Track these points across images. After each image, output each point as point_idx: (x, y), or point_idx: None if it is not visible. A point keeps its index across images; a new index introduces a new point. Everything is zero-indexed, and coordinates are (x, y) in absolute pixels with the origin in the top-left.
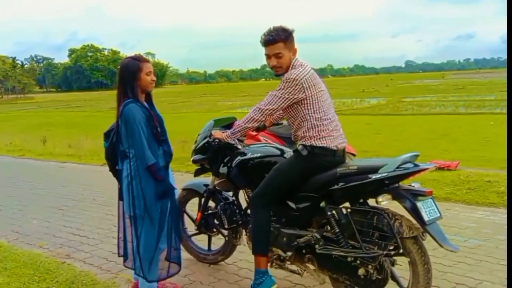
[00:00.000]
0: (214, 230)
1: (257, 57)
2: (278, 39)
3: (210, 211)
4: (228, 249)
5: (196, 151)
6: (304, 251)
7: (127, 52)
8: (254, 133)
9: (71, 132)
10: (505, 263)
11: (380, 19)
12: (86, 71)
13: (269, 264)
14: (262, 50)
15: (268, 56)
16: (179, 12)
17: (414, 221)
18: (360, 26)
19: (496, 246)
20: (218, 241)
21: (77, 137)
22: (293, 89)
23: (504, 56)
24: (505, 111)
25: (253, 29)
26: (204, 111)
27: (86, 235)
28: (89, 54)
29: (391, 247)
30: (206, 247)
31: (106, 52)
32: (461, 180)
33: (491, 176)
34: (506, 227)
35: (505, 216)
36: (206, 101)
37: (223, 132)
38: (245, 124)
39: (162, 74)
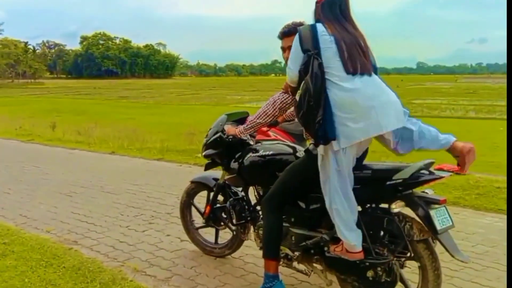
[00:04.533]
0: (222, 224)
1: (268, 52)
2: (294, 32)
3: (218, 205)
4: (235, 243)
5: (207, 146)
6: (312, 251)
7: (139, 41)
8: (266, 128)
9: (80, 119)
10: None
11: (394, 19)
12: (97, 59)
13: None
14: (273, 46)
15: (283, 49)
16: (193, 3)
17: None
18: (374, 25)
19: (504, 252)
20: (225, 235)
21: (86, 124)
22: None
23: None
24: None
25: (266, 24)
26: (212, 104)
27: (94, 222)
28: (101, 42)
29: (401, 250)
30: (213, 240)
31: (117, 41)
32: (470, 185)
33: (500, 182)
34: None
35: None
36: (215, 94)
37: (236, 128)
38: (257, 119)
39: (172, 65)
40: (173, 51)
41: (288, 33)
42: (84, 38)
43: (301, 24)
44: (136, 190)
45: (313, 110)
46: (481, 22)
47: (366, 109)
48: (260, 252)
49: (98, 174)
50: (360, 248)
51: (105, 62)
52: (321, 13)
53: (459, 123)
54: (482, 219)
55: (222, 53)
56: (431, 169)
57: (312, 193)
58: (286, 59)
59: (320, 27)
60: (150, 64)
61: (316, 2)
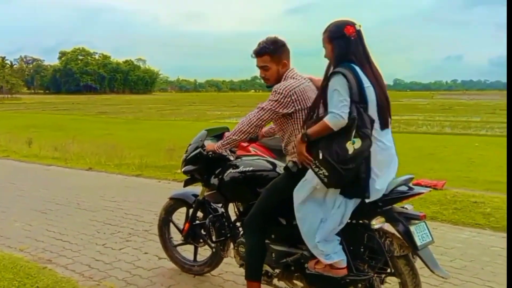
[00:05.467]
0: (201, 241)
1: (248, 68)
2: (264, 52)
3: (198, 222)
4: (215, 261)
5: (186, 162)
6: (293, 268)
7: (118, 57)
8: (246, 144)
9: (57, 135)
10: (491, 285)
11: (372, 36)
12: (76, 74)
13: None
14: (253, 62)
15: (258, 67)
16: (174, 19)
17: None
18: None
19: (482, 267)
20: (204, 252)
21: (64, 140)
22: (281, 102)
23: (490, 79)
24: (490, 133)
25: (246, 40)
26: (192, 119)
27: (69, 240)
28: (80, 57)
29: (382, 266)
30: (191, 258)
31: (96, 56)
32: (448, 200)
33: (477, 197)
34: (492, 248)
35: (491, 237)
36: (195, 110)
37: (215, 144)
38: (233, 136)
39: (152, 81)
40: (153, 66)
41: (259, 53)
42: (62, 54)
43: (276, 40)
44: (113, 207)
45: (361, 166)
46: (457, 40)
47: (394, 169)
48: (240, 270)
49: (74, 191)
50: (345, 264)
51: (84, 77)
52: (355, 50)
53: (435, 138)
54: (460, 234)
55: (202, 69)
56: (410, 184)
57: (292, 209)
58: (263, 78)
59: (361, 74)
60: (129, 79)
61: (344, 36)
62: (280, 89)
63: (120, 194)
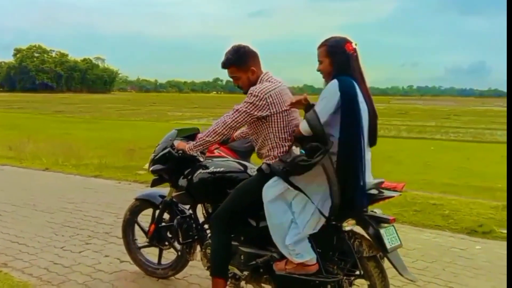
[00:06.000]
0: (167, 243)
1: (209, 70)
2: (228, 64)
3: (164, 224)
4: (180, 264)
5: (154, 161)
6: (261, 270)
7: (76, 55)
8: (216, 146)
9: (11, 134)
10: (452, 286)
11: None
12: (31, 72)
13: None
14: (215, 64)
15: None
16: (134, 19)
17: None
18: (310, 48)
19: (443, 268)
20: (168, 255)
21: (18, 139)
22: (257, 104)
23: (444, 85)
24: (444, 137)
25: (208, 42)
26: (153, 120)
27: (26, 243)
28: (36, 55)
29: (351, 268)
30: (155, 261)
31: (53, 54)
32: (408, 202)
33: (435, 199)
34: (452, 249)
35: (451, 238)
36: (155, 110)
37: (186, 143)
38: (207, 137)
39: (111, 80)
40: (112, 65)
41: (224, 65)
42: (18, 51)
43: (238, 49)
44: (72, 209)
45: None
46: (413, 47)
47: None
48: (206, 272)
49: (30, 192)
50: (314, 261)
51: (39, 75)
52: (354, 66)
53: (393, 142)
54: (421, 235)
55: (163, 69)
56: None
57: (262, 211)
58: (237, 87)
59: (359, 91)
60: (87, 78)
61: (344, 52)
62: (256, 92)
63: (79, 195)
